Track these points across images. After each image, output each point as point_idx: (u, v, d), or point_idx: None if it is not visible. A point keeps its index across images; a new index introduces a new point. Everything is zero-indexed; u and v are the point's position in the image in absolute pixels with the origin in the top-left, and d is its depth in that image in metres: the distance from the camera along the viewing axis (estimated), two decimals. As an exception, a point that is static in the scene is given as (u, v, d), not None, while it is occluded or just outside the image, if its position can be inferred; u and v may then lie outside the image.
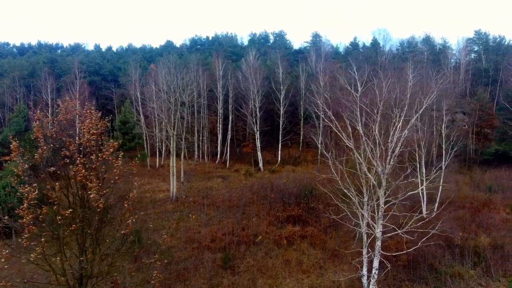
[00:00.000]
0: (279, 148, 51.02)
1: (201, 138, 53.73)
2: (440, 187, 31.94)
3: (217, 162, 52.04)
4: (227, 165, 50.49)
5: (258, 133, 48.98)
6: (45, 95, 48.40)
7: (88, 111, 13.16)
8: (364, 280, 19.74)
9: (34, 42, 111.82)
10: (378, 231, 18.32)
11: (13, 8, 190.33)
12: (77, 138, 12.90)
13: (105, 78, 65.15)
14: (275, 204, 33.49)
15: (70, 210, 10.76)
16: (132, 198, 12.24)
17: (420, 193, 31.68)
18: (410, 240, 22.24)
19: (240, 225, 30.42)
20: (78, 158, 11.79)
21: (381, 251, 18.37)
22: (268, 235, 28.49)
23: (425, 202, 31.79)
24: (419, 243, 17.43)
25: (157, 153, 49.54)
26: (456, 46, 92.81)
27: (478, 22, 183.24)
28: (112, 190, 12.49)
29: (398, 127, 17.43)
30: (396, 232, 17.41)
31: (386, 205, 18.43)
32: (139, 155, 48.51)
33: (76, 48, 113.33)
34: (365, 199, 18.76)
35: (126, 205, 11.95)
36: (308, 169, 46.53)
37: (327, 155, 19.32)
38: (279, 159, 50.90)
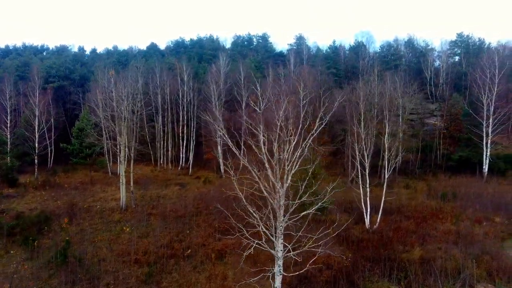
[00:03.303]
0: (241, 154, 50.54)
1: (164, 145, 53.32)
2: (383, 197, 31.61)
3: (179, 168, 51.65)
4: (190, 172, 50.11)
5: (218, 139, 48.58)
6: (3, 101, 48.01)
7: None
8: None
9: (19, 44, 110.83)
10: (279, 250, 18.04)
11: (8, 8, 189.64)
12: None
13: (74, 82, 64.50)
14: (218, 214, 33.05)
15: None
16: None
17: (363, 204, 31.40)
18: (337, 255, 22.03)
19: (179, 237, 30.01)
20: None
21: (282, 271, 18.03)
22: (203, 248, 28.07)
23: (368, 213, 31.39)
24: (307, 265, 17.10)
25: (118, 161, 49.07)
26: (439, 49, 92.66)
27: (465, 24, 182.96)
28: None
29: (292, 146, 17.10)
30: (289, 254, 17.09)
31: (286, 224, 18.12)
32: (98, 162, 48.16)
33: (62, 50, 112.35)
34: (278, 218, 18.42)
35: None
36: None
37: (229, 171, 19.06)
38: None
